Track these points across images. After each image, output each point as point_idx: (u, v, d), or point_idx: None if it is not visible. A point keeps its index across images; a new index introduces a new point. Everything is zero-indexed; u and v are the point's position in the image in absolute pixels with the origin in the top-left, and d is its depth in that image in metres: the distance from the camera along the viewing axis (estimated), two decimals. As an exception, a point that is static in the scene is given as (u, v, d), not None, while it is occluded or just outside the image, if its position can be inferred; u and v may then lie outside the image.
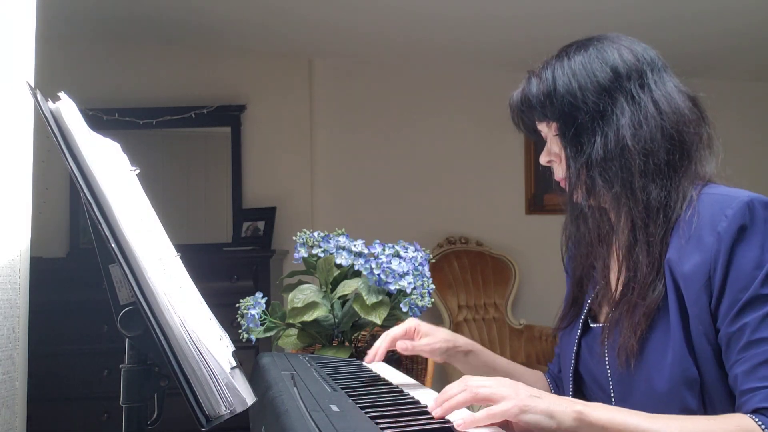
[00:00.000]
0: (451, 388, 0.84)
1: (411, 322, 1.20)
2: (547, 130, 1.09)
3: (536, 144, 4.48)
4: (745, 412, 0.84)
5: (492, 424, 0.80)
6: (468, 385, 0.83)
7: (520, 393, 0.82)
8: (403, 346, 1.17)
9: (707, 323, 0.90)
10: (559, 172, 1.09)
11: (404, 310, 1.45)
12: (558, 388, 1.26)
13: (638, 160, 0.98)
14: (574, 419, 0.81)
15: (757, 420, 0.82)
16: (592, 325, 1.12)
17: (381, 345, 1.17)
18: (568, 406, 0.82)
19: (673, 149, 0.99)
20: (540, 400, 0.82)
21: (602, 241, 1.07)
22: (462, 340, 1.21)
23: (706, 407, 0.91)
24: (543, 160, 1.11)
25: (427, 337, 1.18)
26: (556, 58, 1.07)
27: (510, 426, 0.84)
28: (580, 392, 1.13)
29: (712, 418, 0.85)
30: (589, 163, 1.01)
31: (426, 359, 1.63)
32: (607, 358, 1.05)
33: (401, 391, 1.01)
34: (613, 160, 0.99)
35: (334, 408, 0.79)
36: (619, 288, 1.04)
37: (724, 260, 0.88)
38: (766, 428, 0.81)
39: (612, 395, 1.04)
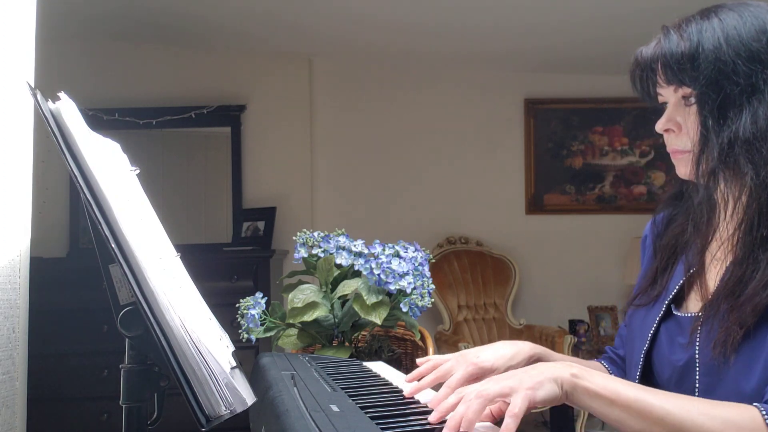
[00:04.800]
0: (447, 402, 0.79)
1: (472, 368, 0.96)
2: (672, 95, 0.97)
3: (536, 144, 4.48)
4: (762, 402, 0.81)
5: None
6: (470, 395, 0.78)
7: (519, 375, 0.79)
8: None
9: None
10: (676, 143, 0.98)
11: (404, 310, 1.45)
12: (618, 371, 1.17)
13: None
14: (570, 383, 0.79)
15: (762, 410, 0.78)
16: (675, 313, 1.03)
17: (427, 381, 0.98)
18: (565, 369, 0.80)
19: None
20: (539, 372, 0.79)
21: (711, 225, 0.99)
22: (525, 352, 1.05)
23: None
24: (660, 127, 0.99)
25: (494, 371, 0.99)
26: (701, 16, 0.93)
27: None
28: (645, 377, 1.06)
29: (719, 402, 0.81)
30: (734, 140, 0.89)
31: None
32: (697, 349, 0.96)
33: (401, 391, 1.01)
34: (764, 141, 0.88)
35: (334, 408, 0.79)
36: (719, 279, 0.95)
37: None
38: (766, 415, 0.77)
39: (696, 386, 0.97)
